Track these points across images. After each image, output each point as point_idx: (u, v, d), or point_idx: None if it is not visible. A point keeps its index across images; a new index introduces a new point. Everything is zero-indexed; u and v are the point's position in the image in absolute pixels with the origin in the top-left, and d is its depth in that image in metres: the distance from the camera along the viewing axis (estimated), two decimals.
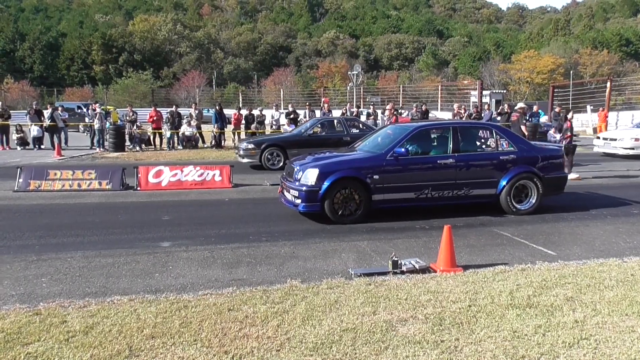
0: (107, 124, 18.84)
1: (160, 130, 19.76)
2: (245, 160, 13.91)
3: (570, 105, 26.40)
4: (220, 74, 65.87)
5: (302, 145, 13.48)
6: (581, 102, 31.53)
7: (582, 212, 8.19)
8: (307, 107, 23.07)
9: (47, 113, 19.10)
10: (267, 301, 4.30)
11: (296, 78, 62.06)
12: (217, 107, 20.06)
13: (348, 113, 22.27)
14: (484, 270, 5.18)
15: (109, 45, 64.35)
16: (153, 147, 19.63)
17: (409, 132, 7.74)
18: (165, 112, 21.13)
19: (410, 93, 42.77)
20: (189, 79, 52.87)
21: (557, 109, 21.64)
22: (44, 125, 18.91)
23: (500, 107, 23.23)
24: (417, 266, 5.21)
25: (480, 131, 8.25)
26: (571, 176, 11.43)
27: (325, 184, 7.12)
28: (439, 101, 34.41)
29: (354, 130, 14.42)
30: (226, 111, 21.31)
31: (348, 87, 38.28)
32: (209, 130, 20.43)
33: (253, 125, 20.00)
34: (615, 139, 16.85)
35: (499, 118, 19.30)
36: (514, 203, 7.86)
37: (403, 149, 7.41)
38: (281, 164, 13.33)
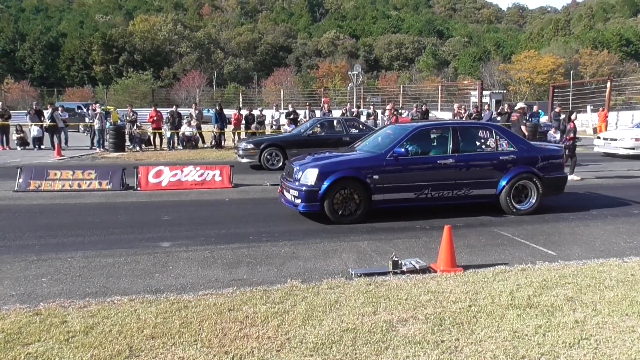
0: (107, 124, 18.83)
1: (160, 131, 19.76)
2: (245, 160, 13.91)
3: (571, 106, 26.41)
4: (221, 74, 65.88)
5: (301, 145, 13.48)
6: (581, 102, 31.53)
7: (583, 212, 8.19)
8: (307, 107, 23.07)
9: (47, 113, 19.10)
10: (268, 301, 4.30)
11: (296, 78, 62.04)
12: (217, 107, 20.06)
13: (348, 113, 22.26)
14: (484, 270, 5.18)
15: (109, 46, 64.36)
16: (153, 147, 19.64)
17: (409, 132, 7.74)
18: (165, 112, 21.14)
19: (410, 93, 42.77)
20: (189, 79, 52.85)
21: (557, 109, 21.65)
22: (44, 125, 18.91)
23: (500, 107, 23.22)
24: (417, 266, 5.21)
25: (480, 131, 8.25)
26: (573, 178, 11.43)
27: (325, 184, 7.12)
28: (439, 101, 34.43)
29: (354, 131, 14.42)
30: (226, 111, 21.32)
31: (348, 87, 38.28)
32: (209, 130, 20.43)
33: (253, 126, 20.01)
34: (615, 139, 16.85)
35: (499, 118, 19.30)
36: (514, 203, 7.86)
37: (403, 149, 7.41)
38: (280, 164, 13.34)
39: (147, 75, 57.17)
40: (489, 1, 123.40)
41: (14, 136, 19.20)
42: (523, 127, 12.70)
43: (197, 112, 19.95)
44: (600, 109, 25.87)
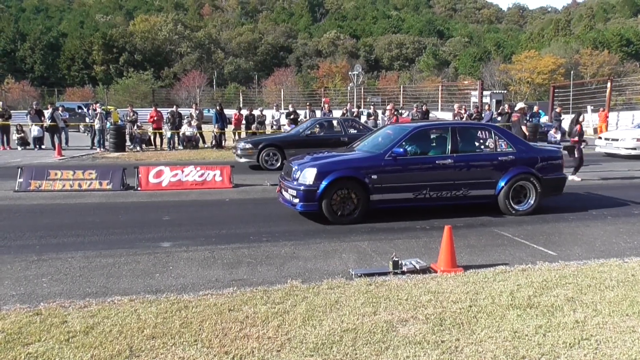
0: (108, 124, 18.84)
1: (160, 131, 19.77)
2: (243, 160, 13.89)
3: (571, 106, 26.39)
4: (221, 74, 65.87)
5: (299, 145, 13.46)
6: (582, 102, 31.51)
7: (583, 213, 8.18)
8: (307, 107, 23.08)
9: (47, 113, 19.11)
10: (268, 301, 4.30)
11: (297, 78, 62.02)
12: (217, 107, 20.06)
13: (349, 113, 22.27)
14: (484, 270, 5.18)
15: (110, 46, 64.38)
16: (153, 147, 19.64)
17: (408, 133, 7.73)
18: (165, 112, 21.15)
19: (410, 93, 42.74)
20: (189, 79, 52.85)
21: (557, 109, 21.67)
22: (45, 125, 18.92)
23: (500, 108, 23.25)
24: (417, 266, 5.21)
25: (479, 132, 8.23)
26: (574, 179, 11.42)
27: (323, 184, 7.11)
28: (440, 101, 34.41)
29: (352, 131, 14.42)
30: (227, 111, 21.32)
31: (348, 88, 38.28)
32: (209, 130, 20.44)
33: (253, 126, 20.03)
34: (617, 139, 16.85)
35: (499, 118, 19.32)
36: (512, 204, 7.85)
37: (401, 149, 7.40)
38: (279, 164, 13.33)
39: (148, 75, 57.17)
40: (489, 1, 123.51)
41: (14, 136, 19.21)
42: (524, 128, 12.69)
43: (197, 112, 19.96)
44: (601, 109, 25.86)
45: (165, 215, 8.12)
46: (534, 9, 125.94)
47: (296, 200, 7.25)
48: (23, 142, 19.25)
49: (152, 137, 19.93)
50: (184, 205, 9.06)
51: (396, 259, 5.14)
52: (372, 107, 25.14)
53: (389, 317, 3.99)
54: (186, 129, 19.15)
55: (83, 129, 24.26)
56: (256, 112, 20.76)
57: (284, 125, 20.66)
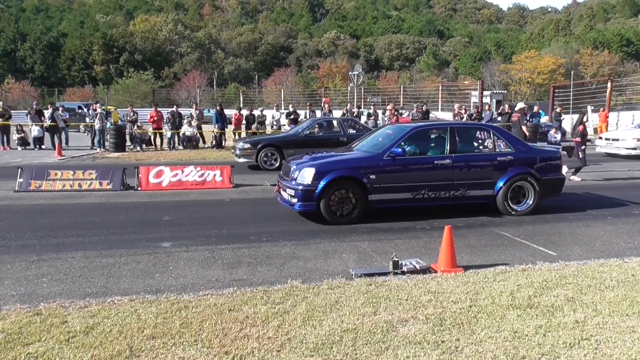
0: (108, 124, 18.84)
1: (161, 131, 19.77)
2: (242, 159, 13.88)
3: (571, 106, 26.36)
4: (221, 74, 65.86)
5: (298, 145, 13.45)
6: (582, 102, 31.48)
7: (583, 213, 8.19)
8: (307, 107, 23.07)
9: (47, 113, 19.11)
10: (268, 302, 4.30)
11: (297, 78, 62.01)
12: (217, 108, 20.06)
13: (349, 113, 22.27)
14: (484, 270, 5.19)
15: (110, 46, 64.37)
16: (154, 147, 19.64)
17: (407, 133, 7.73)
18: (166, 112, 21.16)
19: (410, 93, 42.72)
20: (189, 79, 52.85)
21: (558, 110, 21.66)
22: (45, 125, 18.93)
23: (500, 108, 23.24)
24: (417, 266, 5.21)
25: (478, 132, 8.23)
26: (574, 179, 11.43)
27: (322, 184, 7.11)
28: (440, 101, 34.39)
29: (351, 131, 14.42)
30: (227, 111, 21.32)
31: (349, 88, 38.27)
32: (209, 130, 20.44)
33: (254, 126, 20.02)
34: (617, 139, 16.86)
35: (499, 118, 19.31)
36: (511, 204, 7.85)
37: (400, 149, 7.40)
38: (278, 164, 13.32)
39: (148, 75, 57.16)
40: (489, 1, 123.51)
41: (14, 136, 19.22)
42: (524, 128, 12.70)
43: (197, 112, 19.96)
44: (601, 109, 25.85)
45: (166, 215, 8.12)
46: (534, 9, 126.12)
47: (294, 200, 7.25)
48: (23, 142, 19.26)
49: (152, 137, 19.93)
50: (184, 205, 9.06)
51: (396, 259, 5.14)
52: (372, 107, 25.14)
53: (389, 317, 3.99)
54: (186, 129, 19.15)
55: (83, 129, 24.27)
56: (256, 112, 20.76)
57: (284, 125, 20.66)
